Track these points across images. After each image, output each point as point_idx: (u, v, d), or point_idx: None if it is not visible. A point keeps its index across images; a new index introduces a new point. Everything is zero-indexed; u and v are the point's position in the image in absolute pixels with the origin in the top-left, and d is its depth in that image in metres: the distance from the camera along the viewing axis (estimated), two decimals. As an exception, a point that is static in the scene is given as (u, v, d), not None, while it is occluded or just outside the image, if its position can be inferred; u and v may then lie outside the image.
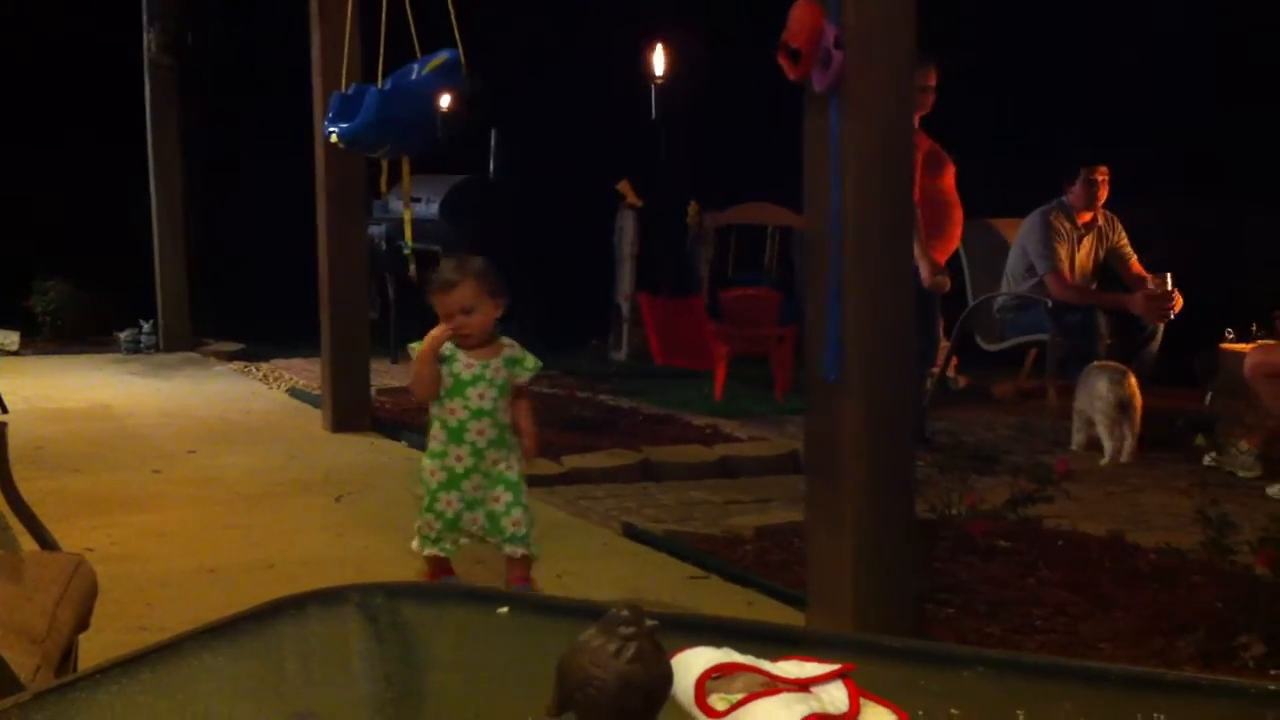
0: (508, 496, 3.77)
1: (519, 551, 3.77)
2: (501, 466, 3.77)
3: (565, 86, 10.13)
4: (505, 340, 3.78)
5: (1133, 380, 5.88)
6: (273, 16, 8.64)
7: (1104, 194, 6.70)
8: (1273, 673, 3.28)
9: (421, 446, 6.40)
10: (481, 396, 3.69)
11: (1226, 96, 7.78)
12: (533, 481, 5.60)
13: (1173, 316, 6.42)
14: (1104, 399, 5.83)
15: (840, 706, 1.40)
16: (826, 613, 3.49)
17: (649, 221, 9.12)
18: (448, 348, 3.68)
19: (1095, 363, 6.07)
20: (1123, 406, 5.85)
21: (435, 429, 3.77)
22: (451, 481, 3.74)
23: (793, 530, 4.54)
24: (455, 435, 3.72)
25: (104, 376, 8.84)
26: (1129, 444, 5.87)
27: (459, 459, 3.73)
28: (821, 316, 3.42)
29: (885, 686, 1.41)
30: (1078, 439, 6.13)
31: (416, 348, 3.70)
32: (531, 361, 3.79)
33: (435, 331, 3.66)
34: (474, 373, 3.69)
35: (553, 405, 7.30)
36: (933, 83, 6.00)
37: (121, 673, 1.48)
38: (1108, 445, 5.88)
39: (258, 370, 9.05)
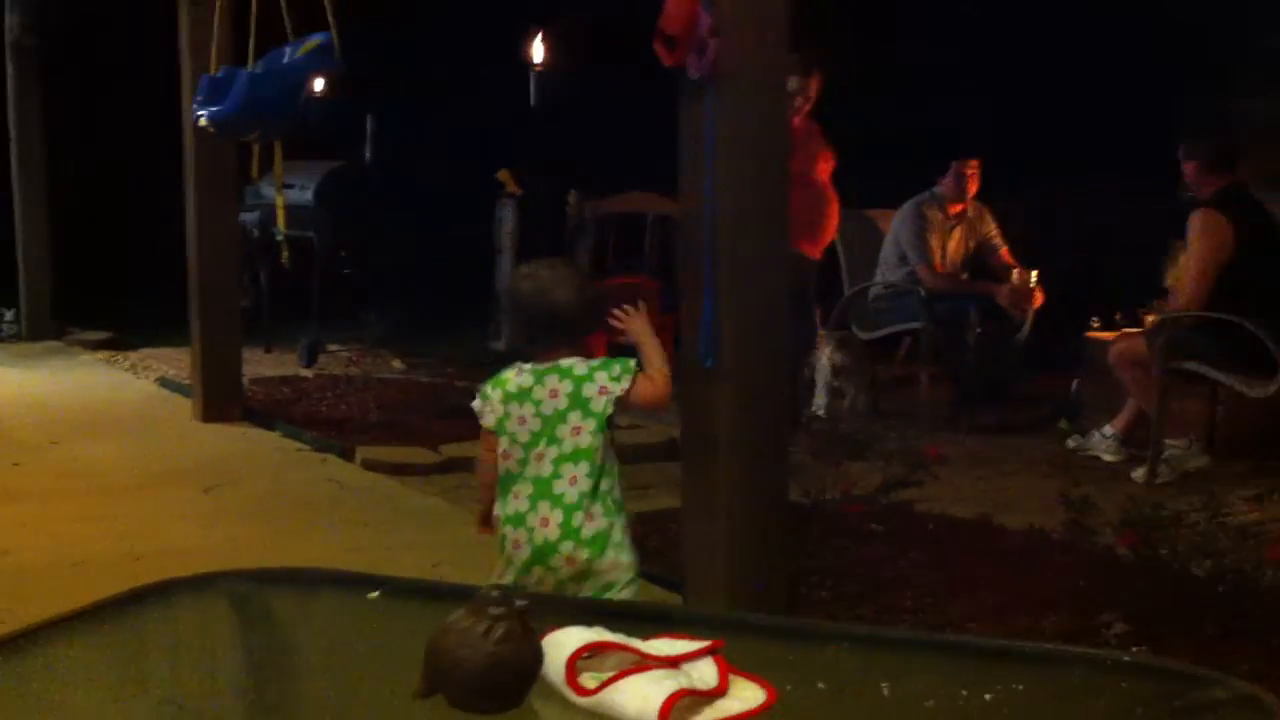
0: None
1: None
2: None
3: (443, 72, 10.05)
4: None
5: (847, 349, 6.71)
6: (141, -3, 8.42)
7: (974, 187, 6.83)
8: (1135, 649, 3.37)
9: (295, 436, 6.37)
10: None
11: (1094, 86, 7.99)
12: (409, 471, 5.58)
13: (1031, 312, 6.60)
14: (824, 360, 6.63)
15: (710, 682, 1.41)
16: (702, 596, 3.51)
17: (529, 211, 9.08)
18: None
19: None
20: (835, 371, 6.68)
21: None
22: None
23: (670, 517, 4.55)
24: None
25: (-37, 367, 8.57)
26: (861, 399, 6.73)
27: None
28: (697, 304, 3.44)
29: (754, 662, 1.43)
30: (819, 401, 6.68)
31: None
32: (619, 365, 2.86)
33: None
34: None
35: (431, 394, 7.25)
36: (814, 91, 6.15)
37: (-28, 663, 1.43)
38: (821, 400, 6.61)
39: (125, 359, 8.83)
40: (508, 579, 2.82)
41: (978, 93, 8.05)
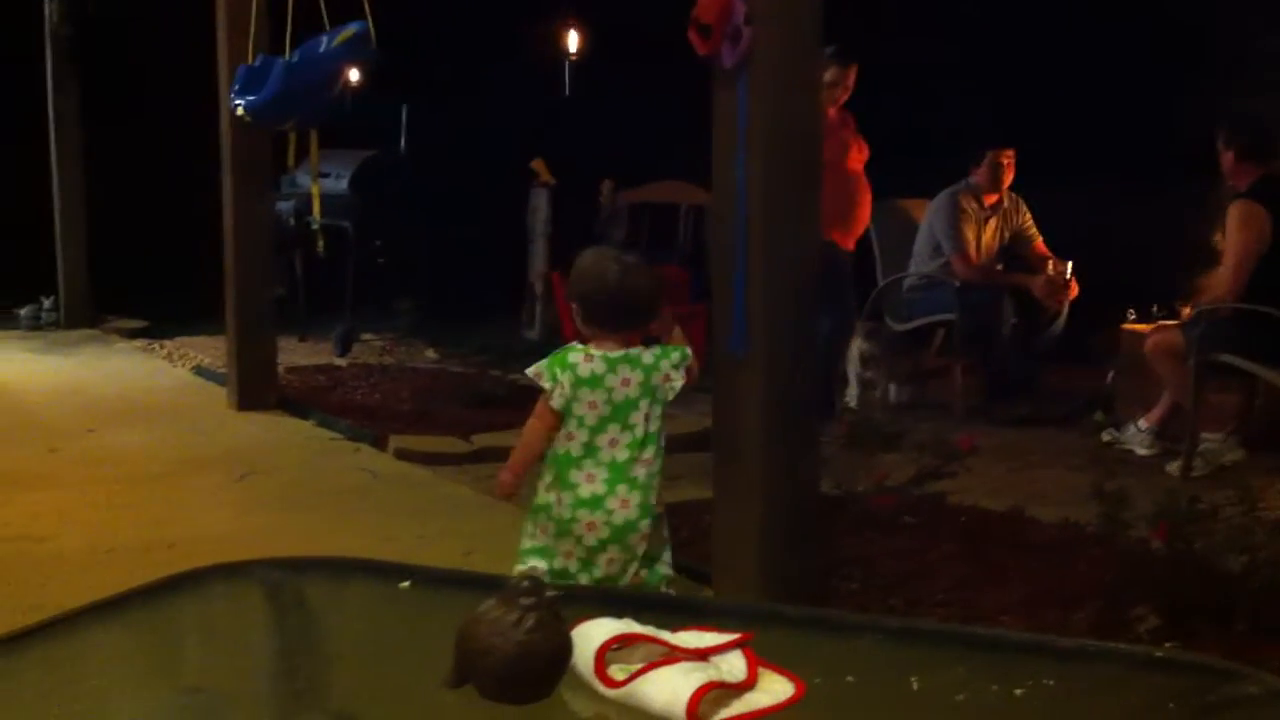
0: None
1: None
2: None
3: (478, 62, 10.06)
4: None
5: (876, 339, 6.66)
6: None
7: (1009, 177, 6.79)
8: (1168, 644, 3.35)
9: (329, 425, 6.39)
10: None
11: (1132, 83, 7.93)
12: (441, 460, 5.60)
13: (1066, 303, 6.56)
14: (854, 351, 6.59)
15: (739, 675, 1.41)
16: (731, 588, 3.51)
17: (563, 199, 9.09)
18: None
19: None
20: (864, 361, 6.59)
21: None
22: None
23: (701, 507, 4.55)
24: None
25: (3, 353, 8.64)
26: (892, 390, 6.72)
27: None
28: (727, 293, 3.43)
29: (783, 655, 1.43)
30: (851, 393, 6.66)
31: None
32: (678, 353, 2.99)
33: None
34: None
35: (464, 383, 7.28)
36: (851, 81, 6.16)
37: (9, 649, 1.45)
38: (853, 391, 6.56)
39: (161, 348, 8.90)
40: (572, 562, 2.94)
41: (978, 91, 8.03)
